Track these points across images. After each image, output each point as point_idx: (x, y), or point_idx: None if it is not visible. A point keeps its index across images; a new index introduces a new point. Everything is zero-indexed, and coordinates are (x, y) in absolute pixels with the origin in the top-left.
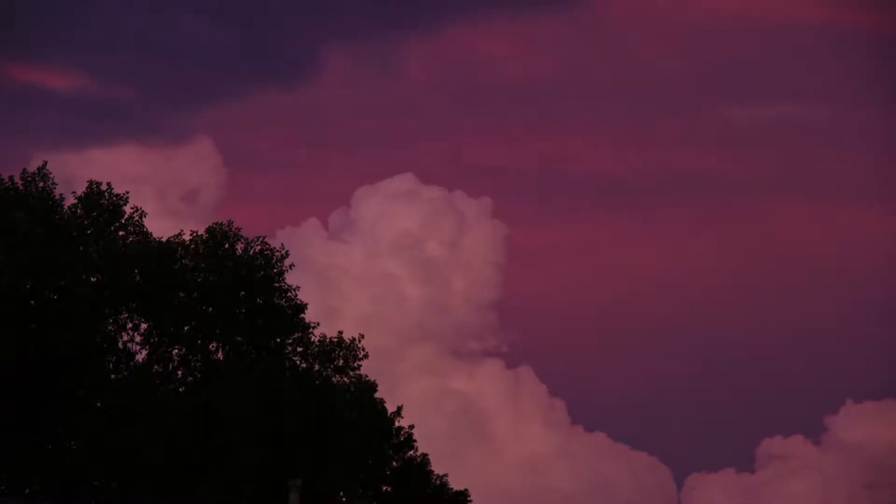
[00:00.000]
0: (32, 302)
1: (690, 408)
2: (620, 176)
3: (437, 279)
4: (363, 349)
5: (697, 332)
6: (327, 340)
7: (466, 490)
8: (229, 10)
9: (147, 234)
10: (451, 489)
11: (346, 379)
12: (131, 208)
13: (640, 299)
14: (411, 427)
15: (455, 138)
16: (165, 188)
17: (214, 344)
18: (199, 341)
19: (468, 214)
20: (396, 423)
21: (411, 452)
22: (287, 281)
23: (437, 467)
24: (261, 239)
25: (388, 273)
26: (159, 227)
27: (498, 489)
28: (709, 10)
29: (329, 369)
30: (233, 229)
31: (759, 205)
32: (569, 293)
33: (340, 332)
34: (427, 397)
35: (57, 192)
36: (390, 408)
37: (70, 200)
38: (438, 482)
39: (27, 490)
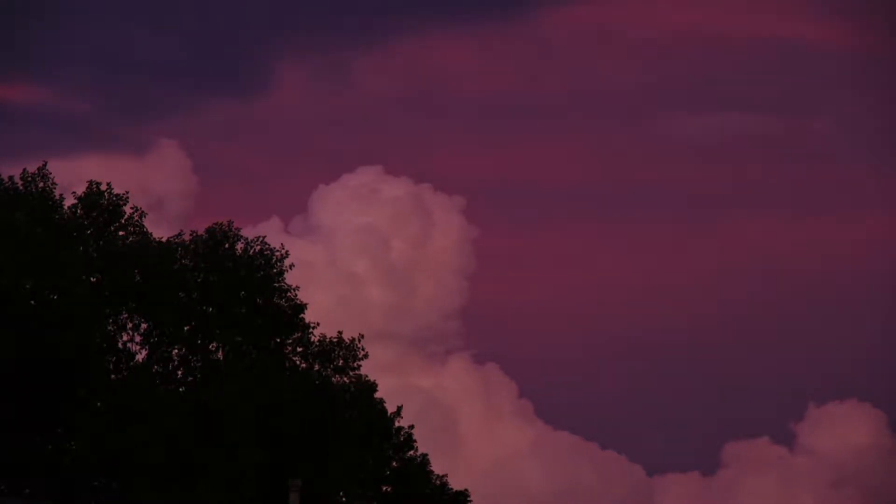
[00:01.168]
0: (32, 302)
1: (658, 411)
2: (579, 186)
3: (403, 282)
4: (363, 349)
5: (666, 337)
6: (327, 340)
7: (466, 490)
8: (185, 24)
9: (147, 234)
10: (451, 489)
11: (346, 379)
12: (131, 208)
13: (609, 304)
14: (411, 427)
15: (420, 148)
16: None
17: (214, 344)
18: (199, 341)
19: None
20: (396, 423)
21: (411, 452)
22: (286, 281)
23: None
24: (261, 239)
25: (351, 273)
26: None
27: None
28: (662, 24)
29: (329, 369)
30: (233, 229)
31: (723, 213)
32: (538, 297)
33: (340, 332)
34: (391, 397)
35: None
36: (390, 408)
37: (70, 200)
38: (438, 482)
39: (27, 490)
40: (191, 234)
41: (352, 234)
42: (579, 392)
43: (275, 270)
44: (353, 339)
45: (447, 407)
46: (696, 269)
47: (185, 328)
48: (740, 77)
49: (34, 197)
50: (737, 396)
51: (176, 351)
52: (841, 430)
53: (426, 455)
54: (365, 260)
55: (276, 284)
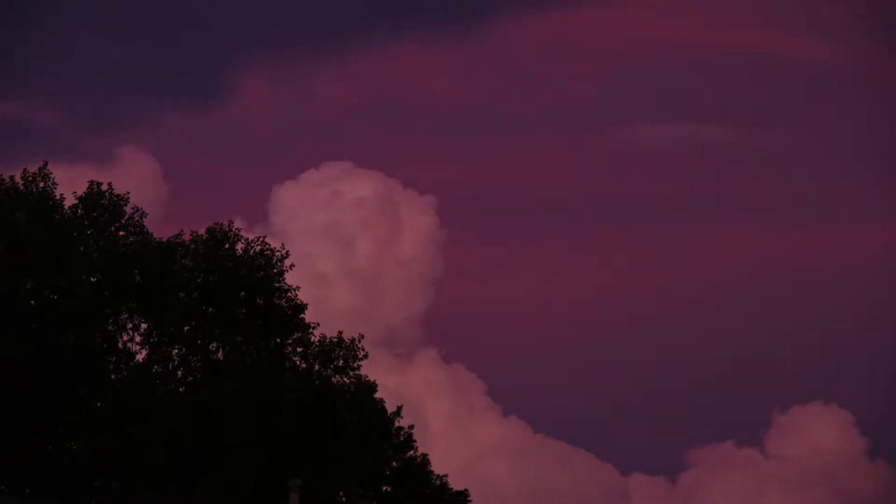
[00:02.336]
0: (32, 302)
1: (626, 412)
2: (543, 194)
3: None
4: (363, 349)
5: (634, 341)
6: (327, 340)
7: (466, 490)
8: (152, 33)
9: (147, 235)
10: (451, 489)
11: (345, 379)
12: (131, 208)
13: (577, 309)
14: (411, 427)
15: (386, 154)
16: None
17: (214, 344)
18: (199, 341)
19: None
20: (396, 423)
21: (411, 452)
22: (286, 281)
23: None
24: (261, 239)
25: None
26: None
27: None
28: (621, 35)
29: (329, 369)
30: (233, 229)
31: (687, 221)
32: (506, 301)
33: (340, 332)
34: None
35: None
36: (390, 408)
37: (70, 201)
38: (438, 482)
39: (27, 490)
40: (191, 235)
41: (317, 235)
42: (549, 392)
43: (275, 270)
44: (353, 340)
45: (414, 405)
46: (662, 274)
47: (185, 328)
48: (700, 87)
49: (34, 197)
50: (704, 399)
51: (176, 351)
52: (808, 433)
53: (426, 455)
54: (331, 261)
55: (276, 284)
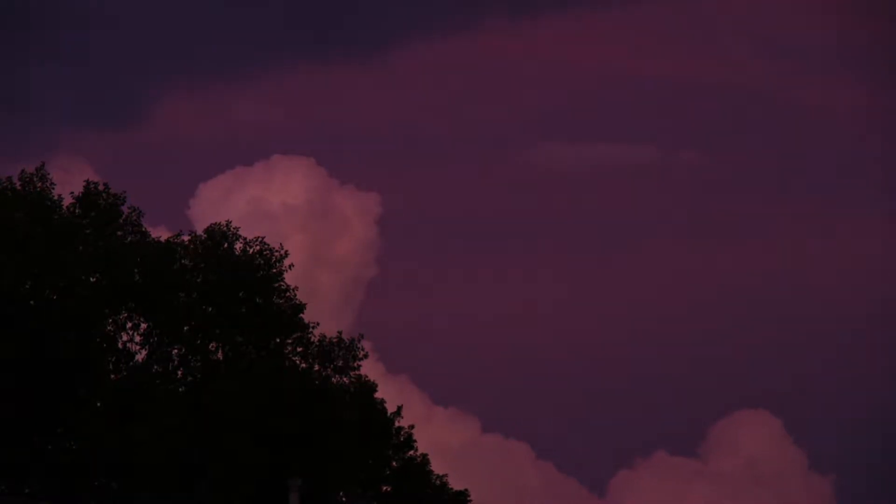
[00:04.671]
0: (32, 302)
1: (574, 425)
2: (461, 215)
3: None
4: (363, 349)
5: (580, 353)
6: (327, 340)
7: (466, 490)
8: (68, 59)
9: (145, 234)
10: (451, 489)
11: (345, 379)
12: (129, 208)
13: (516, 325)
14: (411, 427)
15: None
16: None
17: (214, 344)
18: (199, 341)
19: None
20: (396, 423)
21: (411, 452)
22: (286, 280)
23: None
24: (260, 239)
25: None
26: None
27: None
28: (542, 56)
29: (329, 369)
30: (231, 229)
31: (613, 238)
32: (432, 317)
33: (340, 332)
34: None
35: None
36: (390, 408)
37: (68, 201)
38: (438, 482)
39: (27, 490)
40: (190, 235)
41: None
42: (491, 399)
43: (274, 270)
44: (353, 339)
45: None
46: (577, 292)
47: (185, 328)
48: (615, 108)
49: (33, 197)
50: (650, 406)
51: (176, 351)
52: (739, 439)
53: (426, 455)
54: None
55: (276, 284)
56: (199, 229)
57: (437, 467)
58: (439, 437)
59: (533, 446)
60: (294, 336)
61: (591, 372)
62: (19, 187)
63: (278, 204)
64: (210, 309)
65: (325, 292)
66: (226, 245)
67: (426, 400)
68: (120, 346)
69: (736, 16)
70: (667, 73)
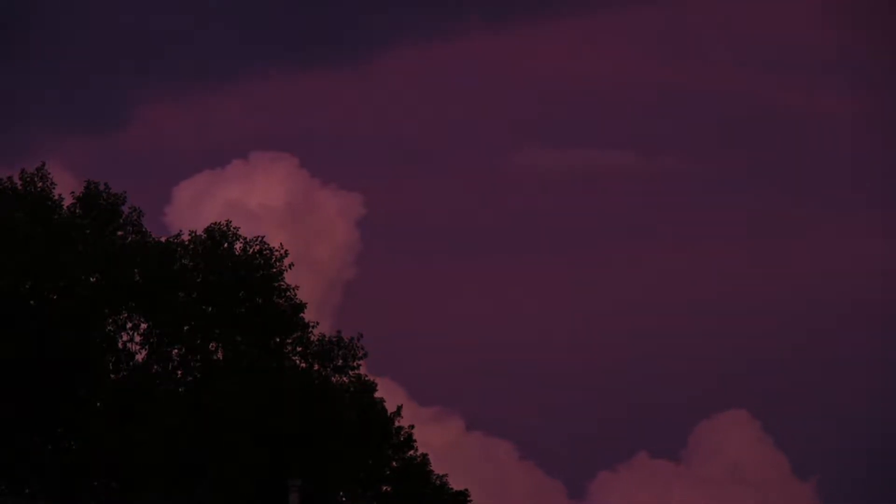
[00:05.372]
0: (32, 302)
1: (555, 426)
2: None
3: None
4: (363, 348)
5: (560, 355)
6: (326, 340)
7: (466, 490)
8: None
9: (146, 234)
10: (451, 489)
11: (345, 379)
12: (129, 208)
13: (495, 328)
14: (411, 427)
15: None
16: None
17: (214, 344)
18: (199, 341)
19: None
20: (396, 423)
21: (411, 452)
22: (286, 280)
23: None
24: (260, 239)
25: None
26: None
27: None
28: (518, 63)
29: (328, 369)
30: (231, 229)
31: (590, 242)
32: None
33: (339, 332)
34: None
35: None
36: (390, 408)
37: (69, 200)
38: (438, 482)
39: (27, 490)
40: (190, 235)
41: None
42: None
43: (274, 270)
44: (353, 339)
45: None
46: (558, 294)
47: (185, 328)
48: (595, 113)
49: (33, 197)
50: (629, 412)
51: (176, 351)
52: (721, 442)
53: (426, 455)
54: None
55: (276, 284)
56: (177, 230)
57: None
58: (424, 436)
59: (517, 446)
60: (294, 336)
61: (570, 372)
62: (20, 187)
63: (257, 204)
64: (210, 309)
65: (305, 293)
66: (226, 245)
67: (410, 400)
68: (120, 346)
69: (721, 19)
70: (650, 78)
